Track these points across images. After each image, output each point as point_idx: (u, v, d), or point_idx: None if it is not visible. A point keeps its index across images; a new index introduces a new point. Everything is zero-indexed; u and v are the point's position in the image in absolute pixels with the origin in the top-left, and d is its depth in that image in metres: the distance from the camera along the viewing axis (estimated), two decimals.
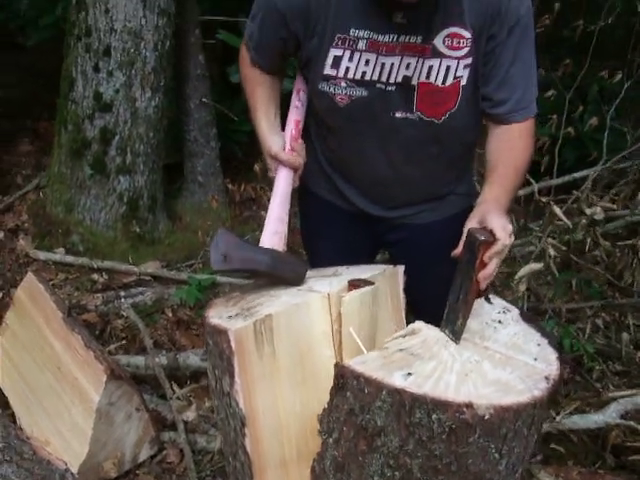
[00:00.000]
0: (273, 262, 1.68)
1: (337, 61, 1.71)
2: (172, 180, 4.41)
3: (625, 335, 2.87)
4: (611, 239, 3.21)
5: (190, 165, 4.32)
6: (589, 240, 2.67)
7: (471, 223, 1.62)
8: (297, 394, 1.54)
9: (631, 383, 2.69)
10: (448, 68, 1.69)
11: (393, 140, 1.83)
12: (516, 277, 2.25)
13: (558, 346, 1.57)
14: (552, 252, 2.42)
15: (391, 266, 1.81)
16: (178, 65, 4.06)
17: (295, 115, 1.94)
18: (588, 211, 2.40)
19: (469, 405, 1.26)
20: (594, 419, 2.24)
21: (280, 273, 1.70)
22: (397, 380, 1.31)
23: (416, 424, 1.28)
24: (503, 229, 1.54)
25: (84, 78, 3.65)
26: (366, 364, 1.37)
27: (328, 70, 1.72)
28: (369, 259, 2.22)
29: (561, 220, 2.33)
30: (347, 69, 1.71)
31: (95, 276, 3.61)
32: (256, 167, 3.64)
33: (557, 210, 2.30)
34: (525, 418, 1.32)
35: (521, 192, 3.49)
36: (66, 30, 3.78)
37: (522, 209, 3.61)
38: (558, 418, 2.20)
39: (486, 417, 1.26)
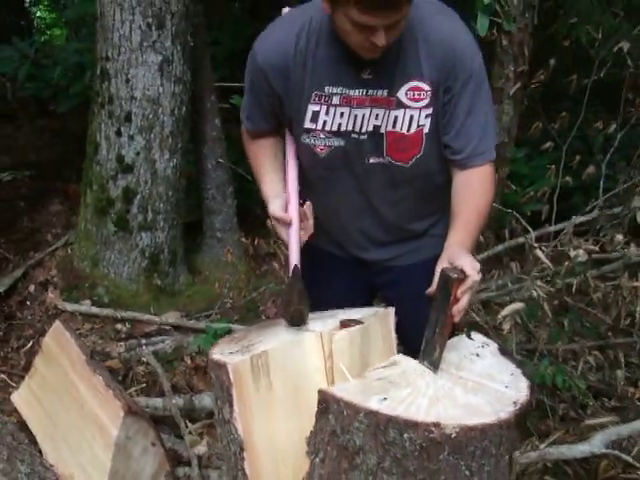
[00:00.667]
0: None
1: (315, 115, 1.86)
2: (193, 236, 4.54)
3: (619, 372, 2.98)
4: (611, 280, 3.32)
5: (209, 222, 4.46)
6: (576, 281, 2.79)
7: (442, 264, 1.74)
8: (293, 423, 1.63)
9: (624, 418, 2.79)
10: (412, 117, 1.84)
11: (369, 183, 1.97)
12: (499, 316, 2.39)
13: (531, 375, 1.70)
14: (541, 293, 2.56)
15: (382, 308, 1.91)
16: (195, 128, 4.23)
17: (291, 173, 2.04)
18: (572, 253, 2.54)
19: (437, 425, 1.36)
20: (580, 449, 2.34)
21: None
22: (373, 404, 1.42)
23: (391, 443, 1.38)
24: (472, 267, 1.67)
25: (107, 142, 3.80)
26: (346, 390, 1.48)
27: (308, 124, 1.88)
28: (366, 304, 2.28)
29: (545, 263, 2.47)
30: (324, 122, 1.87)
31: (119, 326, 3.72)
32: (268, 223, 3.73)
33: (539, 253, 2.45)
34: (492, 438, 1.41)
35: (521, 240, 3.64)
36: (91, 98, 3.95)
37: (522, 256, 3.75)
38: (542, 446, 2.31)
39: (453, 435, 1.36)
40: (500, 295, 3.39)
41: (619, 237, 2.73)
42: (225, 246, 4.45)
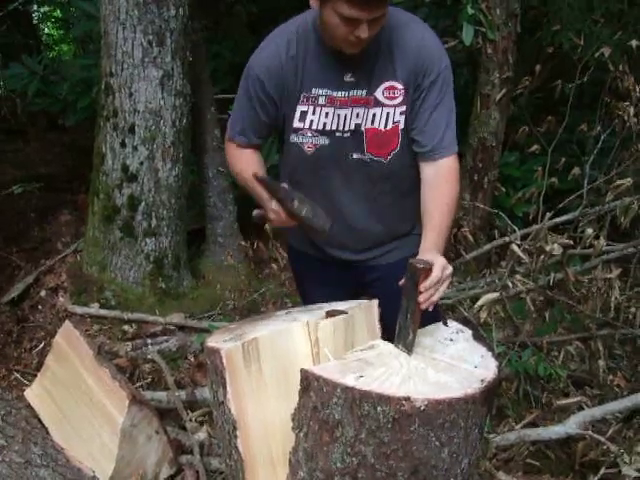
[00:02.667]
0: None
1: (303, 115, 2.04)
2: (197, 242, 4.66)
3: (600, 362, 3.11)
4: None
5: (211, 228, 4.59)
6: (555, 276, 2.91)
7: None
8: (282, 404, 1.72)
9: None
10: (388, 114, 2.03)
11: (353, 179, 2.13)
12: (476, 306, 2.52)
13: (499, 357, 1.83)
14: (521, 287, 2.70)
15: (367, 300, 2.02)
16: (197, 138, 4.36)
17: None
18: (547, 248, 2.67)
19: (407, 399, 1.47)
20: (556, 430, 2.48)
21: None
22: (349, 380, 1.53)
23: (366, 416, 1.49)
24: (442, 267, 1.82)
25: (113, 153, 3.93)
26: (326, 369, 1.60)
27: (297, 123, 2.06)
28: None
29: (522, 258, 2.61)
30: (311, 121, 2.05)
31: (126, 327, 3.84)
32: (267, 227, 3.81)
33: (515, 248, 2.59)
34: (459, 411, 1.52)
35: (506, 239, 3.74)
36: (97, 112, 4.07)
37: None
38: (518, 427, 2.44)
39: (422, 408, 1.47)
40: (487, 291, 3.51)
41: (589, 231, 2.85)
42: (227, 251, 4.57)
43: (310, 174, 2.15)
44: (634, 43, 3.65)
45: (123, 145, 3.90)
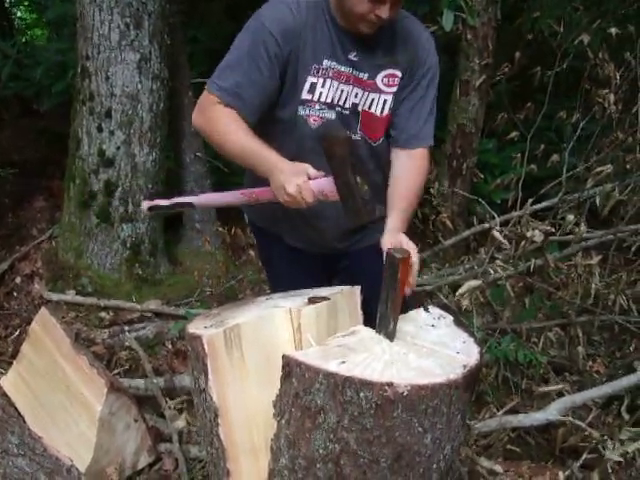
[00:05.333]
0: None
1: (313, 87, 2.00)
2: (174, 228, 4.63)
3: (580, 348, 3.14)
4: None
5: (188, 214, 4.57)
6: (535, 262, 2.93)
7: (387, 245, 1.90)
8: (264, 391, 1.69)
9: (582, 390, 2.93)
10: (385, 101, 2.07)
11: None
12: (457, 293, 2.53)
13: (481, 342, 1.83)
14: (502, 273, 2.71)
15: (349, 287, 2.00)
16: (174, 123, 4.33)
17: None
18: (528, 234, 2.68)
19: (390, 384, 1.45)
20: (537, 417, 2.48)
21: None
22: (332, 366, 1.51)
23: (348, 402, 1.47)
24: (415, 250, 1.87)
25: (89, 137, 3.90)
26: (307, 355, 1.58)
27: (305, 95, 2.01)
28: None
29: (503, 244, 2.62)
30: (320, 94, 2.02)
31: (102, 314, 3.82)
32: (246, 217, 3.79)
33: (496, 234, 2.60)
34: (442, 397, 1.51)
35: (486, 225, 3.77)
36: (73, 96, 4.03)
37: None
38: (499, 413, 2.44)
39: (405, 394, 1.46)
40: (467, 278, 3.52)
41: (570, 217, 2.87)
42: (204, 237, 4.56)
43: (310, 153, 1.98)
44: (613, 30, 3.67)
45: (100, 129, 3.88)
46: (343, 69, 2.01)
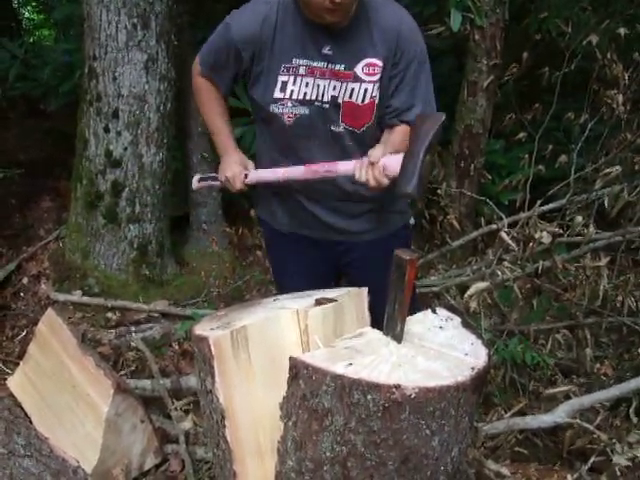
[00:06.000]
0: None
1: (284, 85, 2.07)
2: (181, 229, 4.63)
3: (588, 350, 3.12)
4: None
5: (195, 214, 4.57)
6: (543, 264, 2.91)
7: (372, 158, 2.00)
8: (271, 393, 1.68)
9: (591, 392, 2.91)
10: (366, 90, 2.09)
11: (332, 148, 2.17)
12: (466, 295, 2.51)
13: (489, 344, 1.82)
14: (509, 274, 2.69)
15: (356, 288, 1.97)
16: (181, 124, 4.32)
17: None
18: (537, 235, 2.67)
19: (398, 386, 1.44)
20: (544, 419, 2.47)
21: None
22: (339, 368, 1.49)
23: (355, 404, 1.46)
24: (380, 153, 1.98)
25: (96, 138, 3.88)
26: (315, 357, 1.56)
27: (277, 94, 2.09)
28: (332, 284, 2.47)
29: (510, 245, 2.60)
30: (292, 91, 2.08)
31: (109, 314, 3.80)
32: (252, 212, 3.70)
33: (504, 236, 2.58)
34: (450, 399, 1.49)
35: (493, 226, 3.76)
36: (80, 96, 4.02)
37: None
38: (507, 416, 2.43)
39: (413, 396, 1.44)
40: (474, 279, 3.51)
41: (578, 218, 2.85)
42: (211, 237, 4.55)
43: (290, 146, 2.19)
44: (622, 31, 3.67)
45: (107, 130, 3.87)
46: (316, 64, 2.05)
